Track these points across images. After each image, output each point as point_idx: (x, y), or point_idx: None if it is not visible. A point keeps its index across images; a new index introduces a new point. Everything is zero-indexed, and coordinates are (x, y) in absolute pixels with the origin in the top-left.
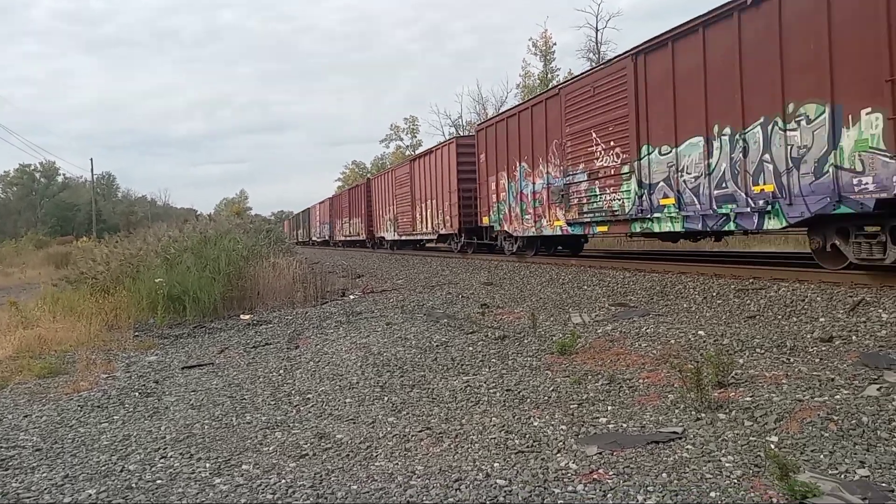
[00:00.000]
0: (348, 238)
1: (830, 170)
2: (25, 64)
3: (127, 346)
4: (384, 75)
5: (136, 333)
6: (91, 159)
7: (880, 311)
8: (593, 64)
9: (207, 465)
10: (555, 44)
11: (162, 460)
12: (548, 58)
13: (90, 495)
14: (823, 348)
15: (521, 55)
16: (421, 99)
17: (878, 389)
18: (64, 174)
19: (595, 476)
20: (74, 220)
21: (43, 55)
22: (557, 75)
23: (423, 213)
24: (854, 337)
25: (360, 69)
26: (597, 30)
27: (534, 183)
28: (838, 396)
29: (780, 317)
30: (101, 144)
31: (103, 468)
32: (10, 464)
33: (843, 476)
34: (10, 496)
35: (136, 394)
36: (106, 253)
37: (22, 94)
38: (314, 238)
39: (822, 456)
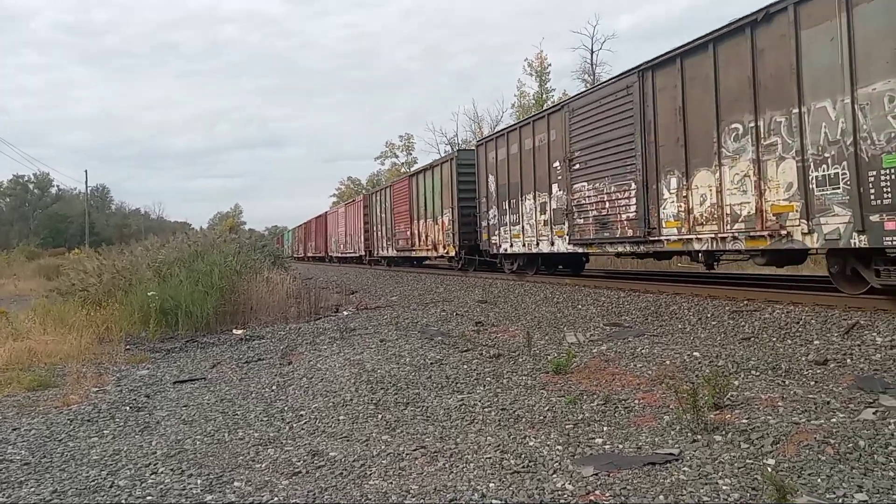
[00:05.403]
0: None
1: None
2: (25, 75)
3: (118, 360)
4: (383, 93)
5: (128, 347)
6: (85, 171)
7: (874, 334)
8: (589, 85)
9: (199, 481)
10: (550, 65)
11: (153, 476)
12: (543, 78)
13: None
14: (818, 371)
15: (518, 75)
16: (419, 117)
17: (874, 413)
18: (58, 186)
19: (592, 497)
20: (67, 232)
21: (43, 66)
22: (552, 95)
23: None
24: (849, 360)
25: (359, 86)
26: (592, 51)
27: None
28: (834, 420)
29: (774, 339)
30: (98, 157)
31: (93, 483)
32: None
33: (840, 500)
34: None
35: (127, 408)
36: (97, 265)
37: (20, 105)
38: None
39: (819, 480)
